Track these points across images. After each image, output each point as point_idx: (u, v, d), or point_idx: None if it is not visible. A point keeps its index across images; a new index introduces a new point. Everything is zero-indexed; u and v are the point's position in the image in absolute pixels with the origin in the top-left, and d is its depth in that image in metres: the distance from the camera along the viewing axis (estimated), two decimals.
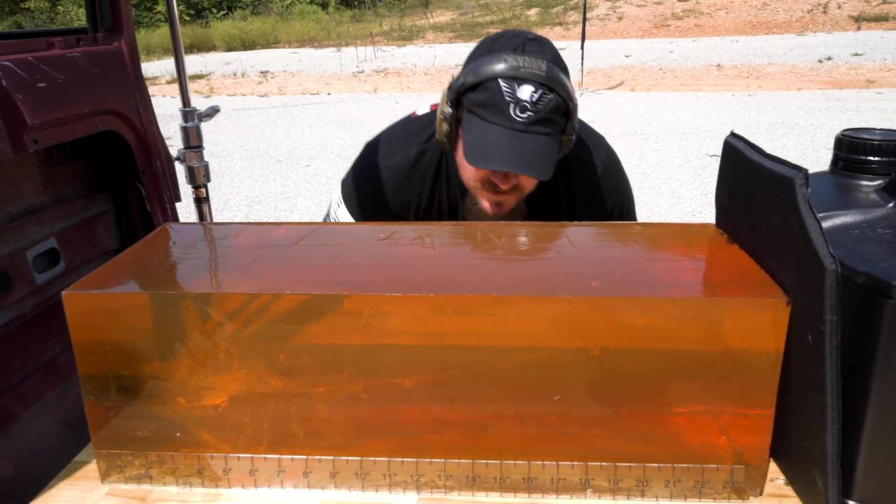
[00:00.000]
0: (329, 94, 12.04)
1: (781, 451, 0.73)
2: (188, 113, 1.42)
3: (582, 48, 10.33)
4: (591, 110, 9.33)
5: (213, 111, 1.45)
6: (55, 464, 0.81)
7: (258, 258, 0.79)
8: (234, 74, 15.12)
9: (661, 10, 19.50)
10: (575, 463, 0.71)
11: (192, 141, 1.42)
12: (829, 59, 13.20)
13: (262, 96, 12.55)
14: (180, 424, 0.75)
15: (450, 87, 1.14)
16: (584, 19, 10.37)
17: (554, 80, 1.07)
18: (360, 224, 0.87)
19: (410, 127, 1.33)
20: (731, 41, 16.29)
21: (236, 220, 5.47)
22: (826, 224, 0.69)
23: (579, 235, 0.86)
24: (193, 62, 17.01)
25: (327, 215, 1.36)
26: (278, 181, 6.53)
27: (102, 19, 1.20)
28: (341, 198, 1.32)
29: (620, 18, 19.28)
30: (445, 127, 1.16)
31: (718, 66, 13.23)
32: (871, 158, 0.72)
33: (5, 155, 0.96)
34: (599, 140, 1.34)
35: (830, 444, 0.60)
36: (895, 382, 0.61)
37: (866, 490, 0.65)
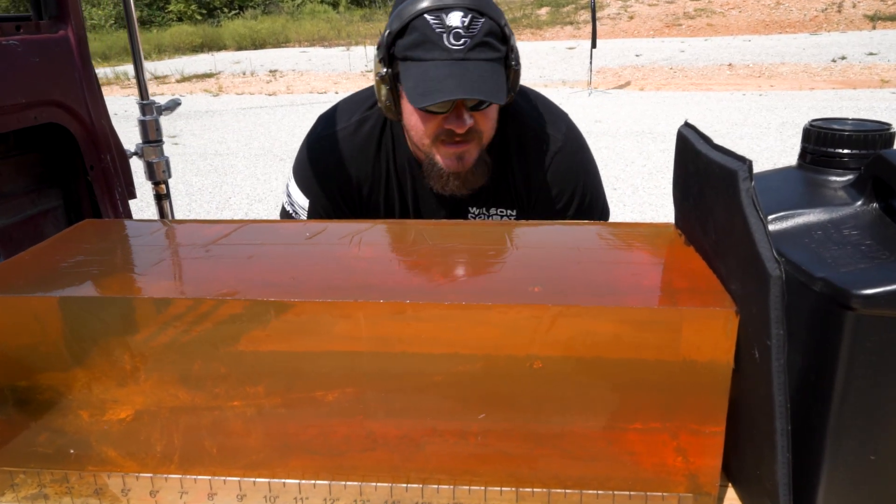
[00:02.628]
0: (337, 93, 12.01)
1: (740, 479, 0.65)
2: (146, 106, 1.36)
3: (593, 47, 10.22)
4: (600, 109, 9.24)
5: (173, 104, 1.39)
6: None
7: (172, 259, 0.73)
8: (244, 73, 15.15)
9: (672, 9, 19.35)
10: (504, 489, 0.64)
11: (151, 135, 1.36)
12: (843, 58, 13.04)
13: (270, 95, 12.55)
14: (82, 440, 0.68)
15: (378, 46, 1.10)
16: (594, 19, 10.27)
17: (481, 4, 1.03)
18: (287, 222, 0.81)
19: (357, 95, 1.28)
20: (744, 40, 16.13)
21: (237, 219, 5.44)
22: (787, 224, 0.61)
23: (525, 236, 0.79)
24: (203, 61, 17.06)
25: (286, 193, 1.32)
26: (280, 180, 6.49)
27: (47, 6, 1.14)
28: (291, 173, 1.28)
29: (632, 17, 19.14)
30: (384, 90, 1.11)
31: (730, 65, 13.09)
32: (842, 151, 0.64)
33: None
34: (562, 115, 1.28)
35: (781, 473, 0.53)
36: (857, 403, 0.54)
37: None
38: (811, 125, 0.67)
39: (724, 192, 0.54)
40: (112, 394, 0.68)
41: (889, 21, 16.76)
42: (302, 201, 1.27)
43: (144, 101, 1.37)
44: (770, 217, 0.62)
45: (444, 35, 1.01)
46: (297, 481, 0.66)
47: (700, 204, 0.63)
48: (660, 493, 0.63)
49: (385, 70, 1.09)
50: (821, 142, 0.65)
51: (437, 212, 1.25)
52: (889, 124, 0.65)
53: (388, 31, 1.07)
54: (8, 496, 0.69)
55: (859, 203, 0.60)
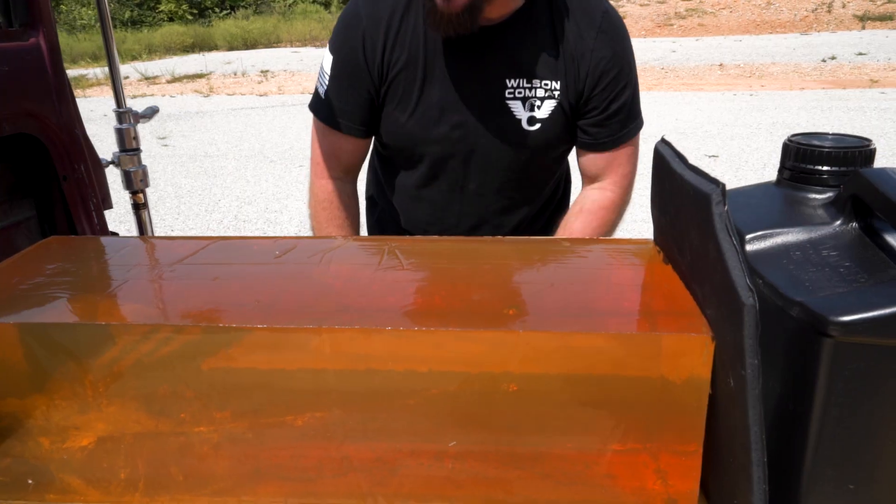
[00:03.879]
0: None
1: (717, 499, 0.64)
2: (123, 114, 1.33)
3: None
4: None
5: (150, 112, 1.37)
6: None
7: (136, 280, 0.70)
8: (235, 74, 15.09)
9: (664, 9, 19.39)
10: None
11: (128, 143, 1.34)
12: (833, 58, 13.09)
13: (261, 96, 12.49)
14: (42, 468, 0.66)
15: None
16: None
17: None
18: (257, 238, 0.79)
19: None
20: (735, 40, 16.18)
21: (225, 221, 5.40)
22: (765, 244, 0.60)
23: (500, 253, 0.77)
24: (194, 61, 16.98)
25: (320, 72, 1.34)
26: (270, 181, 6.46)
27: (17, 13, 1.12)
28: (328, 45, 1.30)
29: (623, 17, 19.17)
30: None
31: (721, 65, 13.12)
32: (821, 168, 0.63)
33: None
34: None
35: (758, 500, 0.51)
36: (835, 431, 0.52)
37: None
38: (790, 140, 0.66)
39: (698, 215, 0.52)
40: (73, 420, 0.66)
41: (878, 21, 16.84)
42: (327, 66, 1.29)
43: (121, 109, 1.34)
44: (748, 236, 0.61)
45: None
46: (271, 499, 0.64)
47: (676, 223, 0.61)
48: None
49: None
50: (800, 158, 0.64)
51: (469, 84, 1.23)
52: (869, 140, 0.63)
53: None
54: None
55: (838, 222, 0.59)
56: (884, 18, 16.87)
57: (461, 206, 1.35)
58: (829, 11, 17.84)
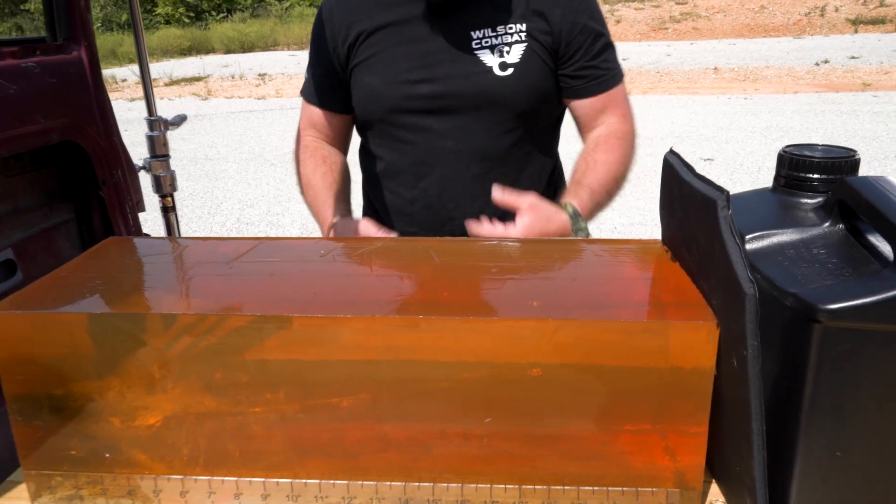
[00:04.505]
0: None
1: (722, 475, 0.72)
2: (154, 122, 1.41)
3: None
4: None
5: (179, 120, 1.44)
6: None
7: (196, 276, 0.78)
8: (233, 77, 15.14)
9: (658, 13, 19.51)
10: (508, 486, 0.70)
11: (159, 150, 1.42)
12: (826, 62, 13.21)
13: (259, 99, 12.55)
14: (114, 445, 0.74)
15: None
16: None
17: None
18: (301, 239, 0.86)
19: None
20: (729, 44, 16.30)
21: (228, 224, 5.47)
22: (763, 243, 0.68)
23: (524, 254, 0.85)
24: (192, 64, 17.04)
25: None
26: (272, 184, 6.53)
27: (60, 28, 1.19)
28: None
29: (618, 22, 19.29)
30: None
31: (715, 69, 13.23)
32: (812, 176, 0.71)
33: None
34: None
35: (758, 469, 0.59)
36: (825, 408, 0.60)
37: None
38: (785, 151, 0.74)
39: (705, 219, 0.60)
40: (142, 401, 0.73)
41: (870, 25, 17.00)
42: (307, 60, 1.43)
43: (152, 118, 1.42)
44: (747, 236, 0.68)
45: None
46: (318, 481, 0.71)
47: (684, 225, 0.69)
48: (650, 489, 0.69)
49: None
50: (793, 167, 0.72)
51: (437, 41, 1.30)
52: (854, 151, 0.71)
53: None
54: (45, 497, 0.74)
55: (827, 224, 0.66)
56: (876, 22, 17.03)
57: (442, 171, 1.34)
58: (821, 15, 18.00)
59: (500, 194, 1.14)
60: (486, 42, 1.29)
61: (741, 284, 0.55)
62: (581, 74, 1.32)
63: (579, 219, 1.19)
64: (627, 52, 15.57)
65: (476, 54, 1.28)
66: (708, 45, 16.38)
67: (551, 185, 1.46)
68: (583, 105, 1.35)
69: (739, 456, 0.62)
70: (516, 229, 1.11)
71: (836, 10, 18.07)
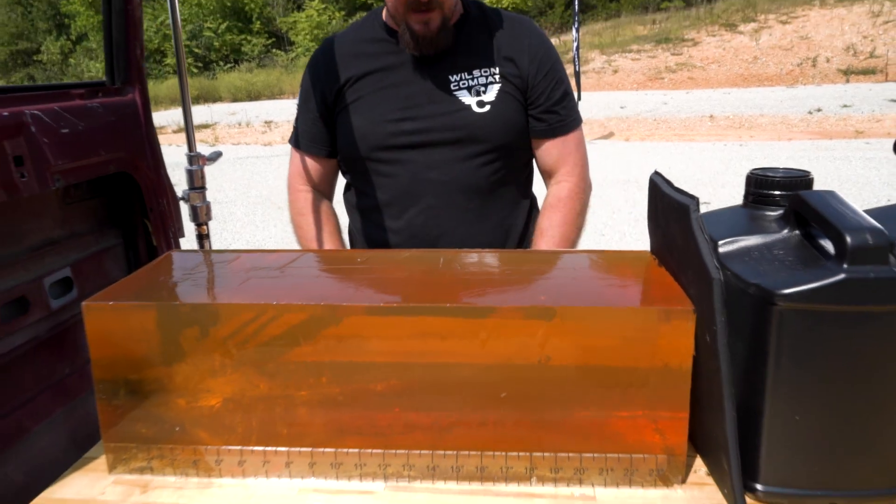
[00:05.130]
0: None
1: (701, 443, 0.83)
2: (193, 157, 1.55)
3: (578, 99, 10.62)
4: None
5: (215, 156, 1.59)
6: (57, 477, 0.90)
7: (251, 278, 0.91)
8: (239, 124, 15.46)
9: (654, 63, 20.01)
10: (521, 453, 0.81)
11: (197, 182, 1.56)
12: (819, 110, 13.50)
13: (265, 145, 12.81)
14: (179, 423, 0.85)
15: None
16: (578, 72, 10.69)
17: None
18: (337, 251, 0.98)
19: None
20: (724, 93, 16.68)
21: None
22: (733, 247, 0.81)
23: (529, 262, 0.98)
24: (200, 112, 17.42)
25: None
26: (279, 227, 6.68)
27: (119, 73, 1.35)
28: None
29: (616, 71, 19.79)
30: None
31: (711, 116, 13.52)
32: (774, 192, 0.84)
33: (32, 191, 1.09)
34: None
35: (730, 429, 0.71)
36: (786, 379, 0.72)
37: (768, 475, 0.76)
38: (752, 173, 0.87)
39: (681, 222, 0.73)
40: (204, 385, 0.85)
41: (861, 75, 17.42)
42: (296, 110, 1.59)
43: (192, 154, 1.56)
44: (721, 242, 0.82)
45: None
46: (357, 450, 0.83)
47: (666, 232, 0.82)
48: (642, 455, 0.81)
49: None
50: (759, 185, 0.85)
51: (418, 85, 1.45)
52: (808, 172, 0.85)
53: None
54: (120, 468, 0.86)
55: (785, 231, 0.80)
56: (867, 72, 17.46)
57: (427, 201, 1.45)
58: (814, 66, 18.46)
59: None
60: (464, 84, 1.45)
61: (709, 271, 0.68)
62: (545, 118, 1.49)
63: None
64: (625, 101, 15.93)
65: (455, 94, 1.44)
66: (703, 93, 16.76)
67: (530, 217, 1.60)
68: (544, 147, 1.52)
69: (715, 419, 0.74)
70: None
71: (828, 60, 18.54)
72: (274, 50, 30.56)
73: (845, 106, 13.79)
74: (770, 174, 0.86)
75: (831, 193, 0.77)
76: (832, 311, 0.69)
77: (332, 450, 0.84)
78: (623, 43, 22.29)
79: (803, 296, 0.69)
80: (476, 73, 1.44)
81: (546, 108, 1.48)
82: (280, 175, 9.72)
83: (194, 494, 0.82)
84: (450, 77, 1.44)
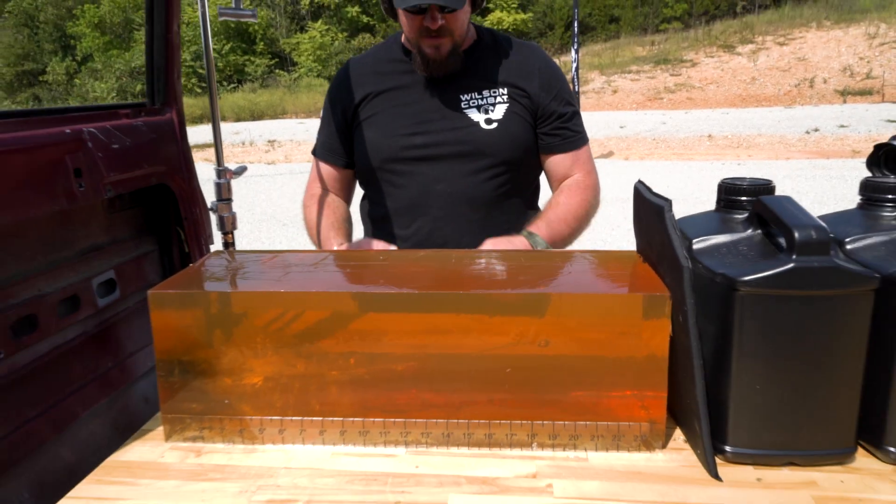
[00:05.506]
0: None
1: (678, 413, 0.96)
2: (221, 171, 1.69)
3: None
4: None
5: (241, 170, 1.73)
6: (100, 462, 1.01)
7: (288, 273, 1.04)
8: (243, 143, 15.66)
9: (653, 83, 20.27)
10: (524, 422, 0.94)
11: (224, 194, 1.70)
12: (816, 130, 13.67)
13: (269, 164, 12.99)
14: (226, 398, 0.98)
15: None
16: (578, 92, 10.89)
17: None
18: (362, 251, 1.12)
19: None
20: (722, 113, 16.89)
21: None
22: (705, 244, 0.94)
23: (527, 260, 1.11)
24: (203, 132, 17.65)
25: None
26: (284, 244, 6.83)
27: (158, 95, 1.49)
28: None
29: (615, 92, 20.05)
30: (385, 4, 1.55)
31: (710, 136, 13.71)
32: (741, 198, 0.98)
33: (88, 200, 1.23)
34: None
35: (700, 395, 0.84)
36: (748, 354, 0.85)
37: (736, 437, 0.88)
38: (723, 181, 1.01)
39: (658, 222, 0.87)
40: (248, 364, 0.98)
41: (858, 95, 17.65)
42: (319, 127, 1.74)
43: (220, 168, 1.71)
44: (694, 240, 0.95)
45: None
46: (382, 419, 0.96)
47: (648, 232, 0.96)
48: (628, 423, 0.93)
49: None
50: (728, 192, 0.99)
51: (430, 103, 1.59)
52: (770, 181, 0.99)
53: None
54: (175, 437, 0.99)
55: (749, 230, 0.93)
56: (863, 93, 17.70)
57: (434, 212, 1.56)
58: (811, 86, 18.71)
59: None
60: (473, 103, 1.58)
61: (680, 261, 0.81)
62: (555, 133, 1.61)
63: (534, 236, 1.45)
64: (624, 121, 16.12)
65: (464, 112, 1.58)
66: (702, 113, 16.99)
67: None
68: (555, 160, 1.64)
69: (688, 389, 0.87)
70: (484, 248, 1.39)
71: (825, 81, 18.81)
72: (277, 70, 30.93)
73: (842, 126, 13.97)
74: (738, 182, 0.99)
75: (787, 198, 0.91)
76: (784, 295, 0.82)
77: (360, 419, 0.96)
78: (622, 64, 22.58)
79: (760, 282, 0.82)
80: (485, 93, 1.58)
81: (556, 125, 1.60)
82: (284, 193, 9.84)
83: (241, 458, 0.95)
84: (460, 96, 1.58)
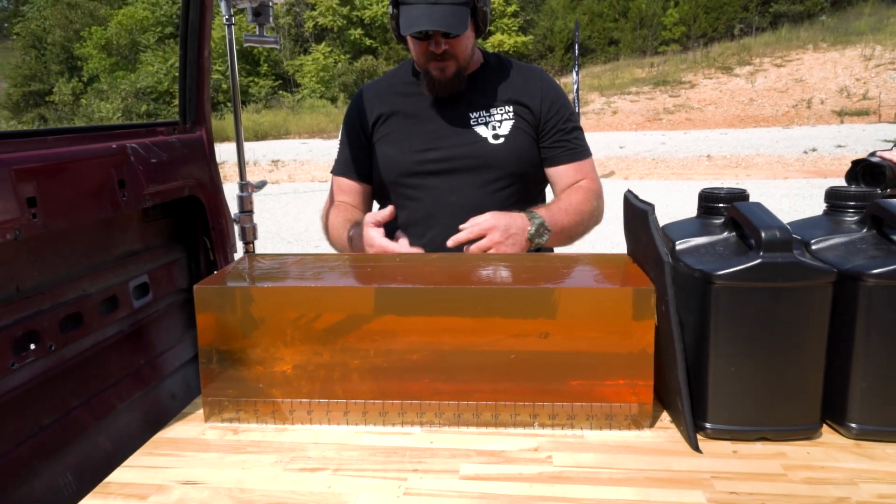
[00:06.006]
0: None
1: (663, 395, 1.08)
2: (243, 185, 1.82)
3: None
4: None
5: (261, 184, 1.86)
6: (130, 455, 1.08)
7: (313, 273, 1.16)
8: (247, 163, 15.82)
9: (652, 104, 20.49)
10: (526, 403, 1.06)
11: (246, 207, 1.82)
12: (814, 150, 13.83)
13: (273, 183, 13.14)
14: (258, 384, 1.10)
15: None
16: (578, 113, 11.07)
17: None
18: (380, 254, 1.24)
19: None
20: (721, 133, 17.08)
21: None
22: (687, 245, 1.06)
23: (534, 258, 1.23)
24: (220, 150, 17.86)
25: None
26: None
27: (190, 114, 1.63)
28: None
29: (615, 112, 20.28)
30: (393, 24, 1.66)
31: (709, 156, 13.87)
32: (719, 205, 1.10)
33: (130, 209, 1.35)
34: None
35: (682, 376, 0.96)
36: (723, 339, 0.97)
37: (714, 415, 1.00)
38: (703, 191, 1.13)
39: (643, 224, 0.99)
40: (278, 353, 1.09)
41: (855, 116, 17.85)
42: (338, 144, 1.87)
43: (243, 182, 1.83)
44: (678, 242, 1.07)
45: None
46: (399, 401, 1.07)
47: (635, 234, 1.08)
48: (619, 404, 1.05)
49: (392, 11, 1.65)
50: (707, 200, 1.11)
51: (442, 121, 1.71)
52: (745, 190, 1.11)
53: None
54: (214, 418, 1.10)
55: (725, 233, 1.05)
56: (860, 114, 17.90)
57: (446, 222, 1.65)
58: (808, 107, 18.93)
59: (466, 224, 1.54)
60: (481, 120, 1.72)
61: (661, 257, 0.93)
62: (558, 145, 1.75)
63: (533, 213, 1.57)
64: (624, 141, 16.31)
65: (473, 128, 1.71)
66: (701, 134, 17.19)
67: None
68: (559, 171, 1.76)
69: (671, 372, 0.99)
70: (484, 218, 1.49)
71: (822, 102, 19.04)
72: (280, 91, 31.29)
73: (840, 146, 14.13)
74: (716, 191, 1.12)
75: (757, 204, 1.03)
76: (753, 287, 0.94)
77: (380, 401, 1.08)
78: (622, 85, 22.86)
79: (731, 276, 0.94)
80: (493, 111, 1.71)
81: (558, 137, 1.74)
82: (288, 212, 9.95)
83: (274, 435, 1.06)
84: (469, 114, 1.71)
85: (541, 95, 1.73)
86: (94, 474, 1.37)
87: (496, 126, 1.69)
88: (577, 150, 1.77)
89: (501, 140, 1.69)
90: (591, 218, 1.73)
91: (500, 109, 1.71)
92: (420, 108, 1.73)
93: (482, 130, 1.70)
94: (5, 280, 1.16)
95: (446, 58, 1.63)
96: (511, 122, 1.71)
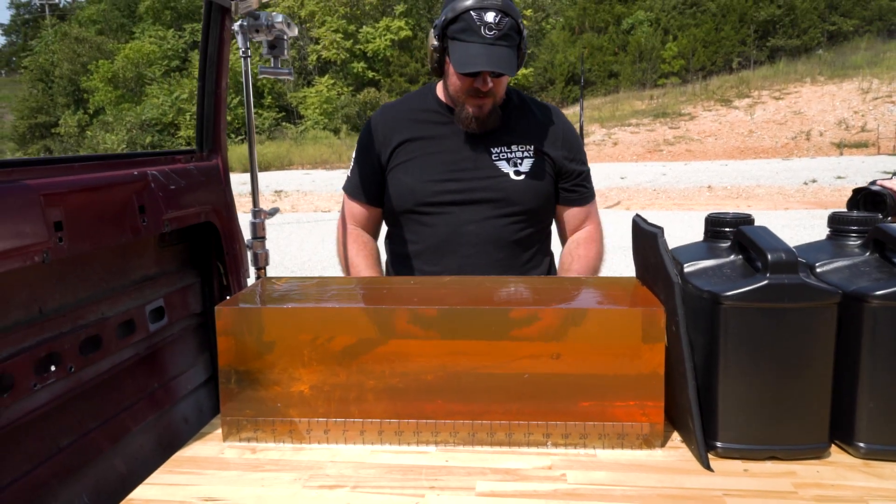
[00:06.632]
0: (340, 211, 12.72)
1: (674, 416, 1.10)
2: (256, 212, 1.86)
3: None
4: None
5: (273, 211, 1.89)
6: (145, 477, 1.08)
7: (331, 294, 1.19)
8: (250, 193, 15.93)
9: (653, 136, 20.68)
10: (539, 422, 1.08)
11: (259, 233, 1.85)
12: (814, 181, 13.92)
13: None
14: (276, 403, 1.12)
15: (434, 26, 1.67)
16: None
17: (509, 7, 1.60)
18: (396, 277, 1.26)
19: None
20: (721, 165, 17.21)
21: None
22: (695, 268, 1.09)
23: (547, 281, 1.26)
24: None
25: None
26: None
27: (206, 143, 1.67)
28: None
29: (616, 144, 20.47)
30: (436, 56, 1.70)
31: (709, 187, 13.96)
32: (725, 229, 1.14)
33: (149, 233, 1.39)
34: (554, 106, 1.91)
35: (692, 396, 0.98)
36: (732, 359, 0.99)
37: (725, 434, 1.01)
38: (709, 215, 1.17)
39: (652, 246, 1.02)
40: (295, 374, 1.11)
41: (854, 147, 18.00)
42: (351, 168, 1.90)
43: (255, 209, 1.87)
44: (686, 264, 1.10)
45: (482, 27, 1.57)
46: (415, 420, 1.09)
47: (645, 257, 1.11)
48: (630, 423, 1.07)
49: (437, 44, 1.67)
50: (713, 224, 1.15)
51: (462, 153, 1.75)
52: (750, 214, 1.14)
53: (443, 18, 1.64)
54: (232, 437, 1.12)
55: (732, 256, 1.08)
56: (859, 145, 18.05)
57: (465, 250, 1.71)
58: (807, 139, 19.10)
59: None
60: (503, 155, 1.76)
61: (671, 278, 0.96)
62: (574, 189, 1.83)
63: None
64: (625, 172, 16.42)
65: (495, 163, 1.75)
66: (701, 165, 17.31)
67: (550, 267, 1.91)
68: (570, 212, 1.86)
69: (682, 392, 1.01)
70: None
71: (821, 134, 19.21)
72: (284, 123, 31.63)
73: (839, 177, 14.22)
74: (722, 216, 1.15)
75: (763, 228, 1.06)
76: (760, 308, 0.97)
77: (395, 421, 1.10)
78: (622, 117, 23.10)
79: (739, 297, 0.97)
80: (514, 147, 1.76)
81: (576, 182, 1.83)
82: (291, 241, 10.00)
83: (291, 454, 1.08)
84: (492, 149, 1.76)
85: (562, 139, 1.80)
86: (110, 496, 1.39)
87: (517, 163, 1.74)
88: (588, 194, 1.86)
89: (522, 177, 1.74)
90: (599, 266, 1.88)
91: (521, 147, 1.76)
92: (443, 139, 1.77)
93: (503, 166, 1.74)
94: (29, 302, 1.19)
95: (488, 95, 1.67)
96: (531, 161, 1.76)
